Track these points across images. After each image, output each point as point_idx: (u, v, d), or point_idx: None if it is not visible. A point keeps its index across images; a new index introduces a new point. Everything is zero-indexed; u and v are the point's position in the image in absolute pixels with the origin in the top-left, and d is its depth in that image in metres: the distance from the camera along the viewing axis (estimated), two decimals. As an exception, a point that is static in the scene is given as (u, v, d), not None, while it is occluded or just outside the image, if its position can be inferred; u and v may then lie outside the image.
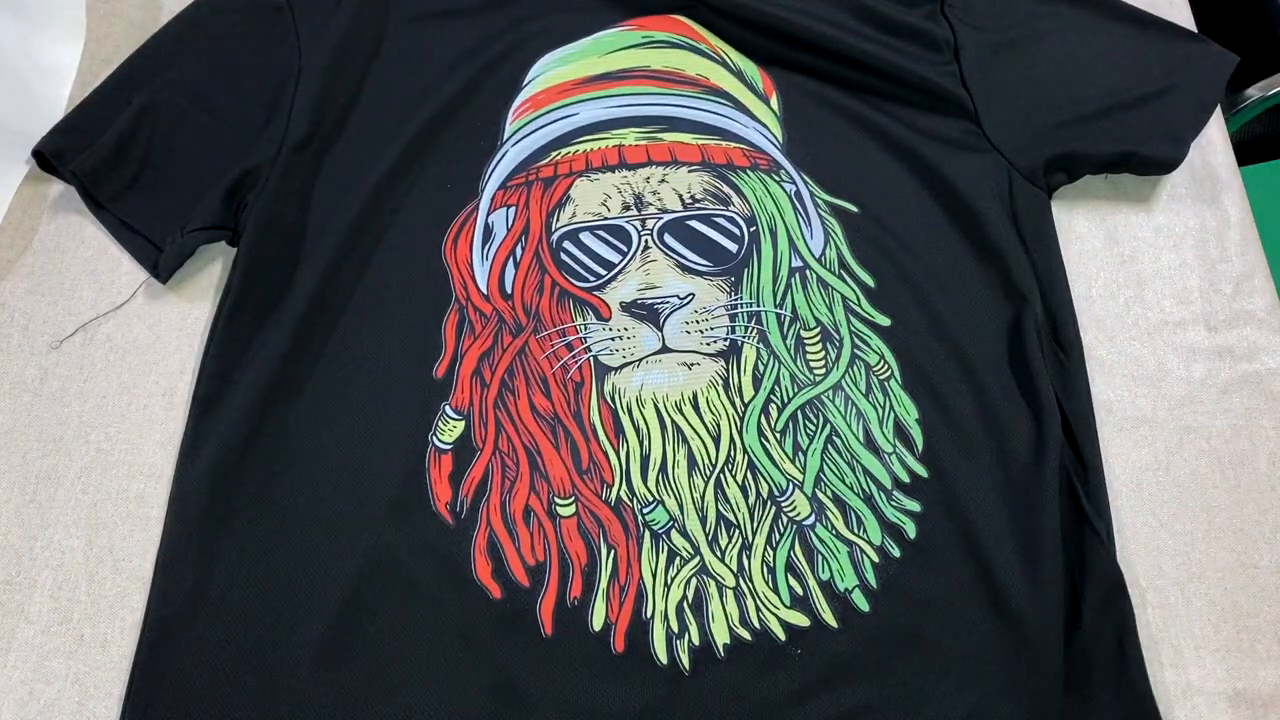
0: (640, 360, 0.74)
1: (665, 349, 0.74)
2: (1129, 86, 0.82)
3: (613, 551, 0.69)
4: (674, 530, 0.69)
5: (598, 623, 0.67)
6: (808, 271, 0.77)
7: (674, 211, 0.78)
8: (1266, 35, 1.17)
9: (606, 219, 0.78)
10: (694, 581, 0.68)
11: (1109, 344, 0.79)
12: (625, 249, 0.77)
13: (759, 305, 0.76)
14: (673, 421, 0.72)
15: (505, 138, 0.82)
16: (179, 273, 0.80)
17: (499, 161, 0.81)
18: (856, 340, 0.75)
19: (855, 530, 0.69)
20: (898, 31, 0.84)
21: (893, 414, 0.73)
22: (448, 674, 0.65)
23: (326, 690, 0.65)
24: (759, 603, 0.68)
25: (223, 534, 0.69)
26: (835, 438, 0.72)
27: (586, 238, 0.78)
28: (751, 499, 0.70)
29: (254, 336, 0.75)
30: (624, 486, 0.70)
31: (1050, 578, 0.67)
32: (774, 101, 0.84)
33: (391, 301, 0.76)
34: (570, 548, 0.69)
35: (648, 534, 0.69)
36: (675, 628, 0.67)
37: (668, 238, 0.78)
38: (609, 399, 0.73)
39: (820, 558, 0.69)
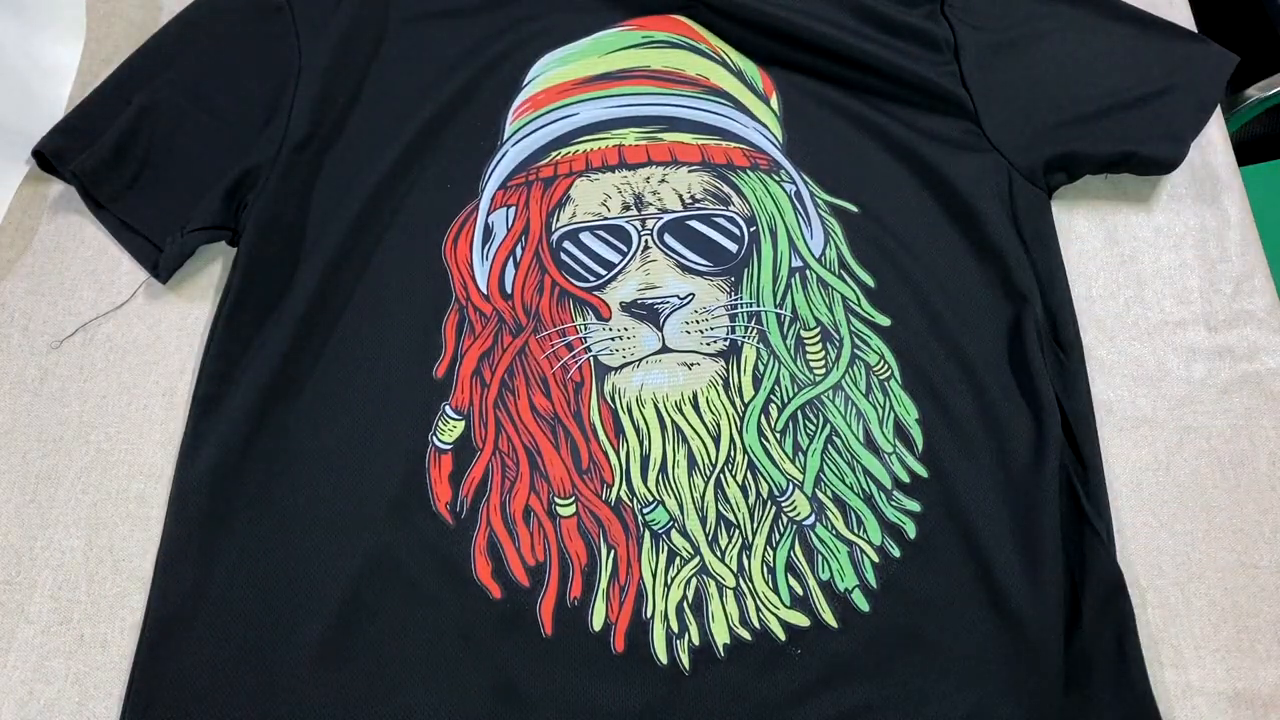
0: (640, 360, 0.74)
1: (665, 349, 0.74)
2: (1129, 86, 0.82)
3: (613, 551, 0.69)
4: (674, 530, 0.69)
5: (598, 623, 0.67)
6: (808, 271, 0.77)
7: (674, 211, 0.78)
8: (1266, 35, 1.17)
9: (606, 219, 0.78)
10: (694, 581, 0.68)
11: (1109, 344, 0.79)
12: (625, 249, 0.77)
13: (759, 305, 0.76)
14: (673, 421, 0.72)
15: (505, 138, 0.82)
16: (179, 273, 0.80)
17: (499, 161, 0.81)
18: (856, 340, 0.75)
19: (855, 530, 0.69)
20: (898, 31, 0.84)
21: (893, 414, 0.73)
22: (448, 674, 0.65)
23: (326, 690, 0.65)
24: (759, 603, 0.68)
25: (223, 534, 0.69)
26: (835, 438, 0.72)
27: (586, 238, 0.78)
28: (751, 499, 0.70)
29: (254, 336, 0.75)
30: (624, 486, 0.70)
31: (1050, 578, 0.67)
32: (774, 101, 0.84)
33: (391, 301, 0.76)
34: (570, 548, 0.69)
35: (648, 534, 0.69)
36: (675, 628, 0.67)
37: (668, 238, 0.78)
38: (609, 399, 0.73)
39: (820, 558, 0.69)
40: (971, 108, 0.82)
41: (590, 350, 0.74)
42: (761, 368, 0.74)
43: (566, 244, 0.77)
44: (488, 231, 0.78)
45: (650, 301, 0.75)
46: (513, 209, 0.79)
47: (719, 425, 0.72)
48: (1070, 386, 0.74)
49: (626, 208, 0.78)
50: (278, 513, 0.70)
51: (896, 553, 0.69)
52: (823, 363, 0.74)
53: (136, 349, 0.79)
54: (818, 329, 0.75)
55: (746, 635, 0.67)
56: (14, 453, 0.75)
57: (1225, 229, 0.84)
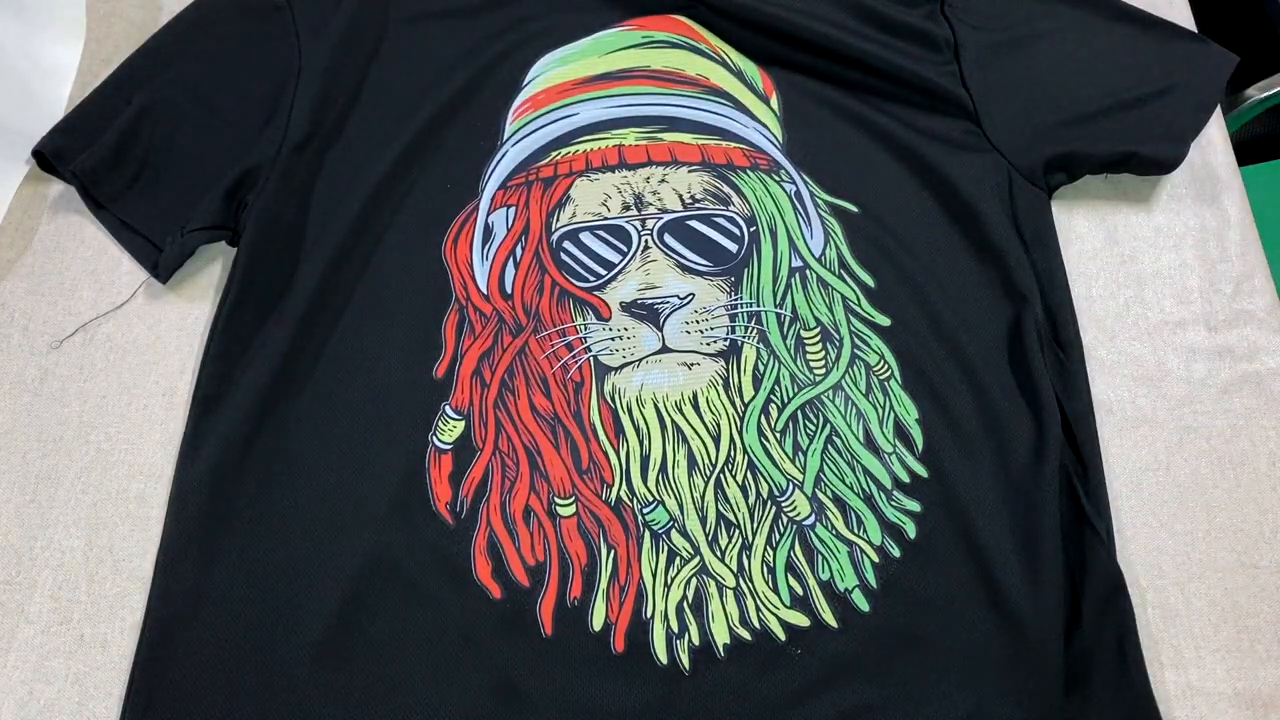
0: (640, 360, 0.74)
1: (665, 349, 0.74)
2: (1129, 86, 0.82)
3: (613, 551, 0.69)
4: (674, 530, 0.69)
5: (598, 623, 0.67)
6: (808, 271, 0.77)
7: (674, 211, 0.78)
8: (1266, 35, 1.17)
9: (606, 219, 0.78)
10: (694, 581, 0.68)
11: (1109, 344, 0.79)
12: (625, 249, 0.77)
13: (759, 305, 0.76)
14: (673, 421, 0.72)
15: (505, 138, 0.82)
16: (179, 273, 0.80)
17: (499, 161, 0.81)
18: (856, 340, 0.75)
19: (855, 530, 0.69)
20: (898, 31, 0.84)
21: (893, 414, 0.73)
22: (448, 674, 0.65)
23: (326, 690, 0.65)
24: (759, 603, 0.67)
25: (223, 534, 0.69)
26: (835, 438, 0.72)
27: (586, 238, 0.78)
28: (751, 499, 0.70)
29: (254, 336, 0.75)
30: (624, 486, 0.70)
31: (1050, 578, 0.67)
32: (774, 101, 0.84)
33: (391, 301, 0.76)
34: (570, 548, 0.69)
35: (648, 534, 0.69)
36: (675, 628, 0.67)
37: (668, 238, 0.78)
38: (609, 399, 0.73)
39: (820, 558, 0.69)
40: (971, 108, 0.82)
41: (590, 350, 0.74)
42: (761, 368, 0.74)
43: (566, 244, 0.77)
44: (488, 231, 0.78)
45: (650, 301, 0.75)
46: (513, 209, 0.79)
47: (719, 425, 0.72)
48: (1070, 386, 0.74)
49: (626, 208, 0.78)
50: (278, 513, 0.70)
51: (896, 553, 0.69)
52: (823, 363, 0.74)
53: (136, 349, 0.79)
54: (818, 329, 0.75)
55: (746, 635, 0.67)
56: (14, 453, 0.75)
57: (1225, 229, 0.84)
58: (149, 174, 0.80)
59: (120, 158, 0.79)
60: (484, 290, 0.76)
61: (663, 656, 0.66)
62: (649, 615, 0.67)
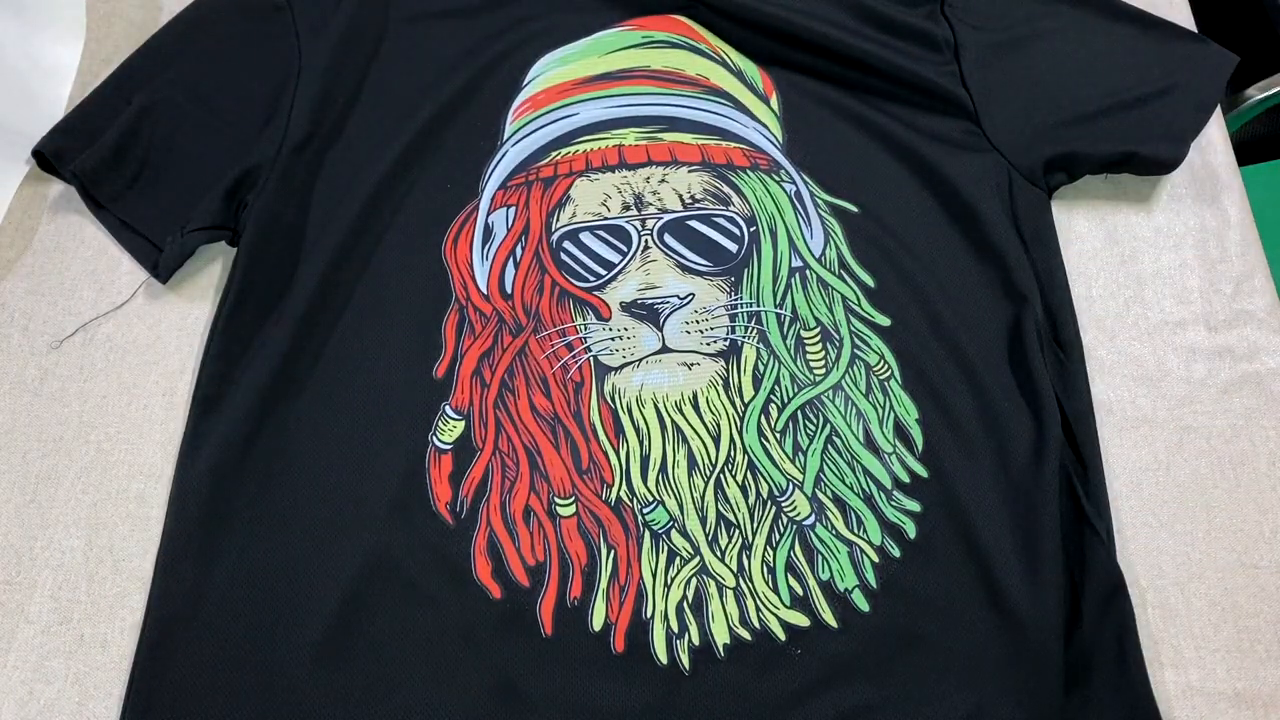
0: (640, 360, 0.74)
1: (665, 349, 0.74)
2: (1129, 86, 0.82)
3: (613, 551, 0.69)
4: (674, 530, 0.69)
5: (598, 623, 0.67)
6: (808, 271, 0.77)
7: (674, 211, 0.78)
8: (1266, 35, 1.17)
9: (606, 219, 0.78)
10: (694, 581, 0.68)
11: (1109, 344, 0.79)
12: (625, 249, 0.77)
13: (759, 305, 0.76)
14: (673, 421, 0.72)
15: (505, 138, 0.82)
16: (179, 273, 0.80)
17: (499, 161, 0.81)
18: (856, 340, 0.75)
19: (855, 530, 0.69)
20: (898, 31, 0.84)
21: (893, 414, 0.73)
22: (448, 674, 0.65)
23: (326, 690, 0.65)
24: (759, 603, 0.67)
25: (223, 534, 0.69)
26: (835, 438, 0.72)
27: (586, 238, 0.78)
28: (751, 499, 0.70)
29: (254, 336, 0.75)
30: (624, 486, 0.70)
31: (1050, 578, 0.67)
32: (774, 101, 0.84)
33: (391, 301, 0.76)
34: (570, 548, 0.69)
35: (648, 534, 0.69)
36: (675, 628, 0.67)
37: (668, 238, 0.78)
38: (609, 399, 0.73)
39: (820, 558, 0.69)
40: (971, 108, 0.82)
41: (590, 350, 0.74)
42: (761, 368, 0.74)
43: (566, 244, 0.77)
44: (488, 231, 0.78)
45: (650, 301, 0.75)
46: (513, 209, 0.79)
47: (719, 425, 0.72)
48: (1070, 386, 0.74)
49: (626, 208, 0.78)
50: (278, 513, 0.70)
51: (896, 553, 0.69)
52: (823, 363, 0.74)
53: (136, 349, 0.79)
54: (818, 329, 0.75)
55: (746, 635, 0.67)
56: (14, 453, 0.75)
57: (1225, 229, 0.84)
58: (149, 174, 0.80)
59: (120, 158, 0.79)
60: (484, 290, 0.76)
61: (663, 656, 0.66)
62: (649, 615, 0.67)
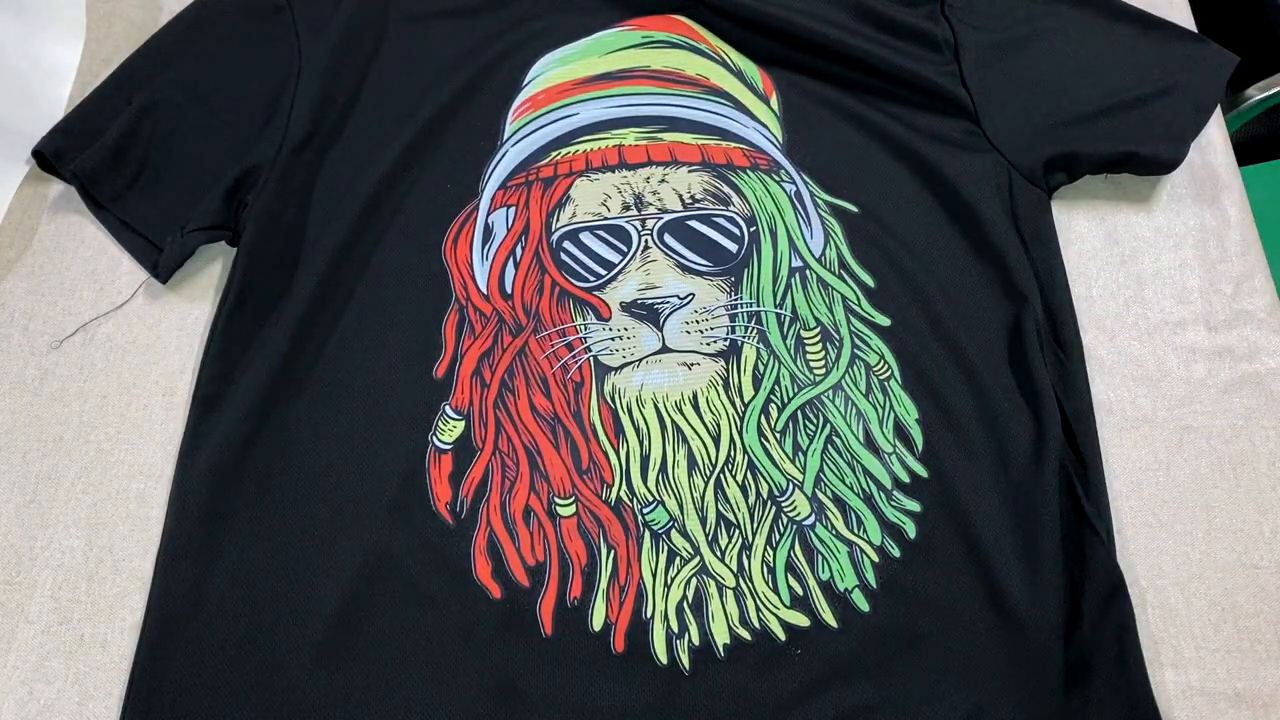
0: (640, 360, 0.74)
1: (665, 349, 0.74)
2: (1129, 86, 0.82)
3: (613, 551, 0.69)
4: (674, 530, 0.69)
5: (598, 623, 0.67)
6: (808, 271, 0.77)
7: (674, 211, 0.78)
8: (1266, 35, 1.17)
9: (606, 219, 0.78)
10: (694, 581, 0.68)
11: (1109, 344, 0.79)
12: (625, 249, 0.77)
13: (759, 305, 0.76)
14: (673, 421, 0.72)
15: (505, 138, 0.82)
16: (179, 273, 0.80)
17: (499, 161, 0.81)
18: (856, 340, 0.75)
19: (855, 530, 0.69)
20: (898, 31, 0.84)
21: (893, 414, 0.73)
22: (448, 674, 0.65)
23: (326, 690, 0.65)
24: (759, 603, 0.67)
25: (223, 534, 0.69)
26: (835, 438, 0.72)
27: (586, 238, 0.78)
28: (751, 499, 0.70)
29: (254, 336, 0.75)
30: (624, 486, 0.70)
31: (1050, 578, 0.67)
32: (774, 101, 0.84)
33: (391, 301, 0.76)
34: (570, 548, 0.69)
35: (648, 534, 0.69)
36: (675, 628, 0.67)
37: (668, 238, 0.78)
38: (609, 399, 0.73)
39: (820, 558, 0.69)
40: (971, 108, 0.82)
41: (590, 350, 0.74)
42: (761, 368, 0.74)
43: (566, 244, 0.77)
44: (488, 231, 0.78)
45: (650, 301, 0.75)
46: (513, 209, 0.79)
47: (719, 425, 0.72)
48: (1070, 386, 0.74)
49: (626, 208, 0.78)
50: (278, 513, 0.70)
51: (896, 553, 0.69)
52: (823, 363, 0.74)
53: (136, 349, 0.79)
54: (818, 329, 0.75)
55: (746, 635, 0.67)
56: (14, 453, 0.75)
57: (1225, 229, 0.84)
58: (149, 174, 0.80)
59: (120, 158, 0.79)
60: (484, 290, 0.76)
61: (663, 656, 0.66)
62: (649, 615, 0.67)
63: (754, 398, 0.73)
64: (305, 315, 0.75)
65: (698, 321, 0.75)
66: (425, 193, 0.80)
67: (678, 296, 0.75)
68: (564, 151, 0.81)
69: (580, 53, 0.85)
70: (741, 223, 0.79)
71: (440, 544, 0.69)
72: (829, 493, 0.70)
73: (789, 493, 0.70)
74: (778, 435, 0.72)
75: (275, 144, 0.80)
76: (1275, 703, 0.68)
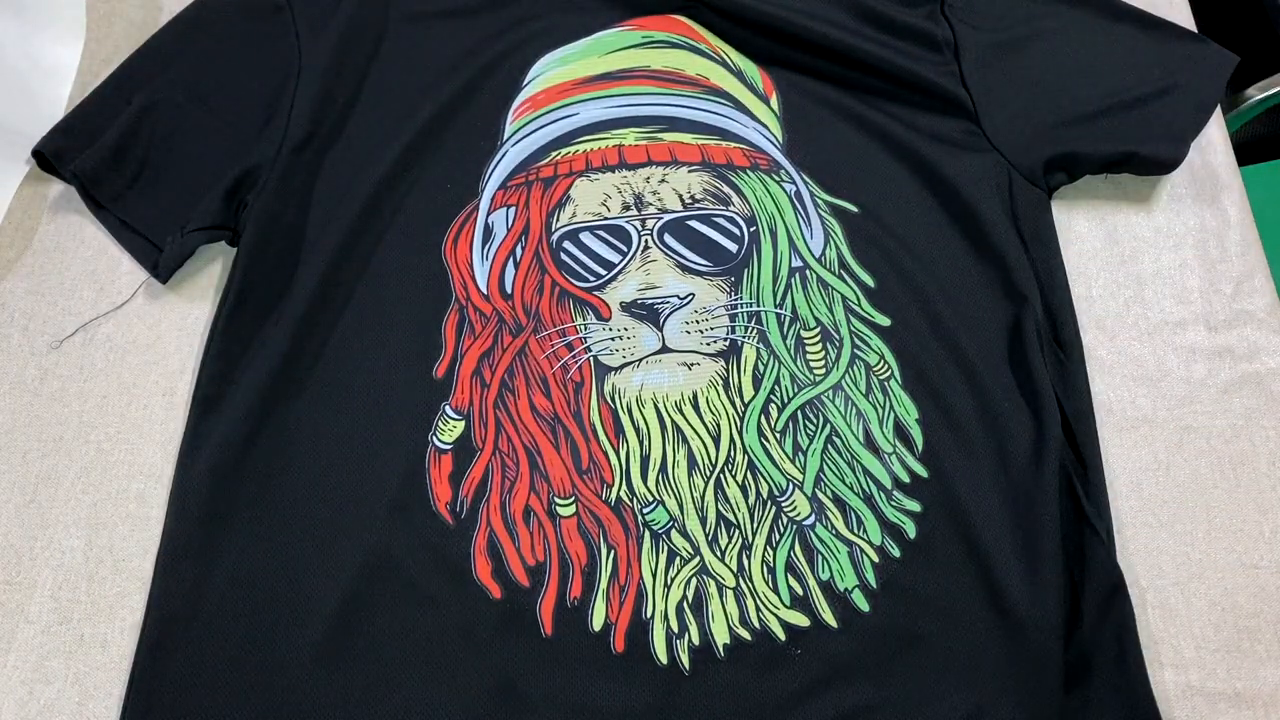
0: (640, 360, 0.74)
1: (665, 349, 0.74)
2: (1129, 86, 0.82)
3: (613, 551, 0.69)
4: (674, 530, 0.69)
5: (598, 623, 0.67)
6: (808, 271, 0.77)
7: (674, 211, 0.78)
8: (1266, 35, 1.17)
9: (606, 219, 0.78)
10: (694, 581, 0.68)
11: (1109, 344, 0.79)
12: (625, 249, 0.77)
13: (759, 305, 0.76)
14: (673, 421, 0.72)
15: (505, 138, 0.82)
16: (179, 273, 0.80)
17: (499, 161, 0.81)
18: (856, 340, 0.75)
19: (855, 530, 0.69)
20: (898, 31, 0.84)
21: (893, 414, 0.73)
22: (448, 674, 0.65)
23: (326, 690, 0.65)
24: (759, 603, 0.67)
25: (223, 534, 0.69)
26: (835, 438, 0.72)
27: (586, 238, 0.78)
28: (751, 499, 0.70)
29: (254, 336, 0.75)
30: (624, 486, 0.70)
31: (1050, 578, 0.67)
32: (774, 101, 0.84)
33: (391, 301, 0.76)
34: (570, 548, 0.69)
35: (648, 534, 0.69)
36: (675, 628, 0.67)
37: (668, 238, 0.78)
38: (609, 399, 0.73)
39: (820, 558, 0.69)
40: (971, 108, 0.82)
41: (590, 350, 0.74)
42: (761, 368, 0.74)
43: (566, 244, 0.77)
44: (488, 231, 0.78)
45: (650, 301, 0.75)
46: (513, 209, 0.79)
47: (719, 425, 0.72)
48: (1070, 386, 0.74)
49: (626, 208, 0.78)
50: (278, 513, 0.70)
51: (896, 553, 0.69)
52: (823, 363, 0.74)
53: (136, 349, 0.79)
54: (818, 329, 0.75)
55: (746, 635, 0.67)
56: (14, 453, 0.75)
57: (1225, 229, 0.84)
58: (149, 174, 0.80)
59: (120, 158, 0.79)
60: (484, 290, 0.76)
61: (663, 656, 0.66)
62: (649, 615, 0.67)
63: (754, 398, 0.73)
64: (305, 315, 0.75)
65: (698, 321, 0.75)
66: (425, 193, 0.80)
67: (678, 296, 0.75)
68: (564, 151, 0.81)
69: (580, 53, 0.85)
70: (741, 223, 0.79)
71: (440, 544, 0.69)
72: (829, 493, 0.70)
73: (789, 493, 0.70)
74: (778, 435, 0.72)
75: (275, 144, 0.80)
76: (1275, 703, 0.68)
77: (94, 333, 0.80)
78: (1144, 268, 0.83)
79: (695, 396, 0.73)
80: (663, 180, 0.79)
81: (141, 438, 0.76)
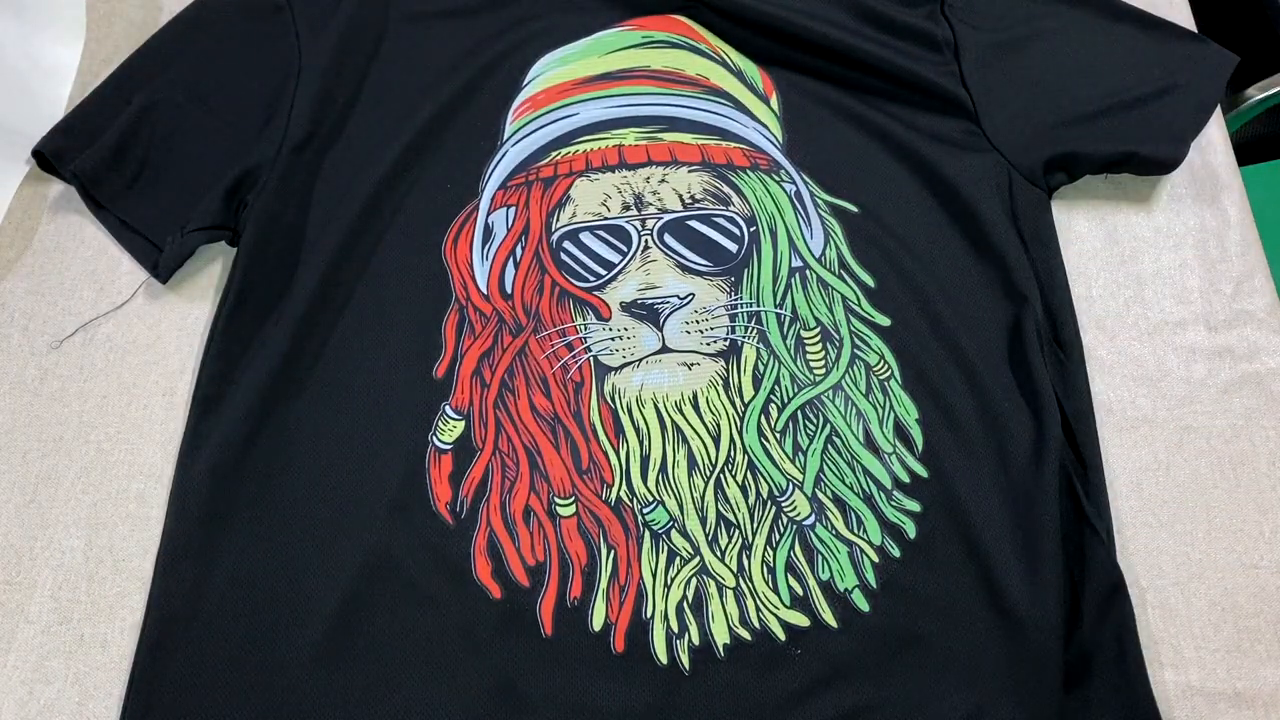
0: (640, 360, 0.74)
1: (665, 349, 0.74)
2: (1129, 86, 0.82)
3: (613, 551, 0.69)
4: (674, 530, 0.69)
5: (598, 623, 0.67)
6: (808, 271, 0.77)
7: (674, 211, 0.78)
8: (1266, 35, 1.17)
9: (606, 219, 0.78)
10: (694, 581, 0.68)
11: (1109, 344, 0.79)
12: (625, 249, 0.77)
13: (759, 305, 0.76)
14: (673, 421, 0.72)
15: (505, 138, 0.82)
16: (179, 273, 0.80)
17: (499, 161, 0.81)
18: (856, 340, 0.75)
19: (855, 530, 0.69)
20: (898, 31, 0.84)
21: (893, 414, 0.73)
22: (448, 674, 0.65)
23: (326, 690, 0.65)
24: (759, 603, 0.67)
25: (223, 534, 0.69)
26: (835, 438, 0.72)
27: (586, 238, 0.78)
28: (751, 499, 0.70)
29: (254, 336, 0.75)
30: (624, 486, 0.70)
31: (1050, 578, 0.67)
32: (774, 101, 0.84)
33: (391, 301, 0.76)
34: (570, 548, 0.69)
35: (648, 534, 0.69)
36: (675, 628, 0.67)
37: (668, 238, 0.78)
38: (609, 399, 0.73)
39: (820, 558, 0.69)
40: (971, 108, 0.82)
41: (590, 350, 0.74)
42: (761, 368, 0.74)
43: (566, 244, 0.77)
44: (488, 231, 0.78)
45: (650, 301, 0.75)
46: (513, 209, 0.79)
47: (719, 425, 0.72)
48: (1070, 386, 0.74)
49: (626, 208, 0.78)
50: (278, 513, 0.70)
51: (896, 553, 0.69)
52: (823, 363, 0.74)
53: (136, 349, 0.79)
54: (818, 329, 0.75)
55: (746, 635, 0.67)
56: (14, 453, 0.75)
57: (1225, 229, 0.84)
58: (149, 174, 0.80)
59: (120, 158, 0.79)
60: (484, 290, 0.76)
61: (663, 656, 0.66)
62: (649, 615, 0.67)
63: (754, 398, 0.73)
64: (305, 315, 0.75)
65: (698, 321, 0.75)
66: (425, 193, 0.80)
67: (678, 296, 0.75)
68: (564, 151, 0.81)
69: (580, 53, 0.85)
70: (741, 223, 0.79)
71: (440, 544, 0.69)
72: (829, 493, 0.70)
73: (789, 493, 0.70)
74: (778, 435, 0.72)
75: (275, 144, 0.80)
76: (1275, 703, 0.68)
77: (94, 333, 0.80)
78: (1144, 268, 0.83)
79: (695, 396, 0.73)
80: (663, 180, 0.79)
81: (141, 438, 0.76)
